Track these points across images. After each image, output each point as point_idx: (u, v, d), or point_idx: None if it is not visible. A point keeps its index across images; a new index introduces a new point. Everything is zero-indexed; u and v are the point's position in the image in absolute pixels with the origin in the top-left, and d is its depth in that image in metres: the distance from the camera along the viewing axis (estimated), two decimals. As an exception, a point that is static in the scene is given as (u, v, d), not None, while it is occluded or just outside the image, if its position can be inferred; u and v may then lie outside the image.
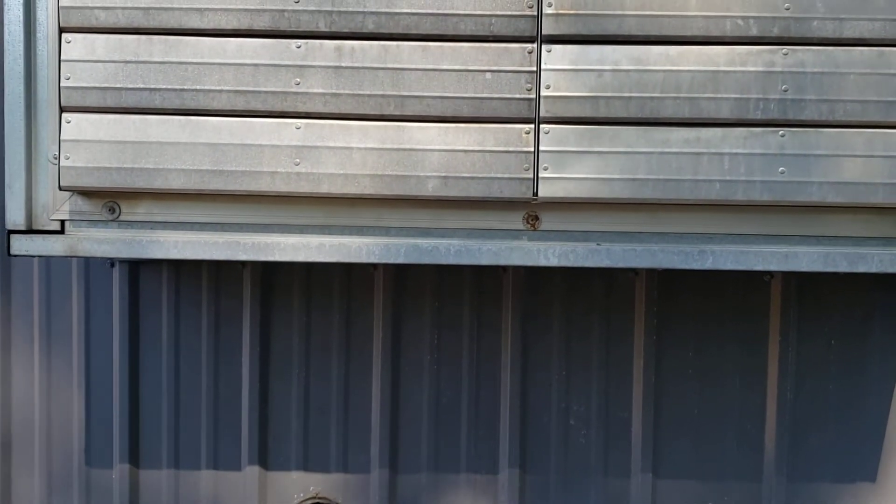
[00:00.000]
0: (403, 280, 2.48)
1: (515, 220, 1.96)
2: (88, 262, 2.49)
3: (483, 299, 2.47)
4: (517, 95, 1.87)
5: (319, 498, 2.52)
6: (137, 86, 1.86)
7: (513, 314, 2.46)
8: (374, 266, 2.45)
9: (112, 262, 2.48)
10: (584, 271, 2.38)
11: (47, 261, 2.49)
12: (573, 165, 1.87)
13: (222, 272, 2.49)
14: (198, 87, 1.86)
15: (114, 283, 2.49)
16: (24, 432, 2.55)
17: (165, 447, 2.52)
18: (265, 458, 2.52)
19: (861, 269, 1.91)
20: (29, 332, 2.53)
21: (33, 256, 2.15)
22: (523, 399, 2.48)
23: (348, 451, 2.51)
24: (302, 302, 2.49)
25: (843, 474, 2.47)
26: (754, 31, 1.85)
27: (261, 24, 1.85)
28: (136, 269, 2.49)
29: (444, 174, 1.88)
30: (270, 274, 2.48)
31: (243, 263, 2.46)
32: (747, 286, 2.44)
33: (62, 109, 1.87)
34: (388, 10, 1.85)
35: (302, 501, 2.52)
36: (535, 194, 1.88)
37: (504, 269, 2.45)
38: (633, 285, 2.45)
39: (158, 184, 1.88)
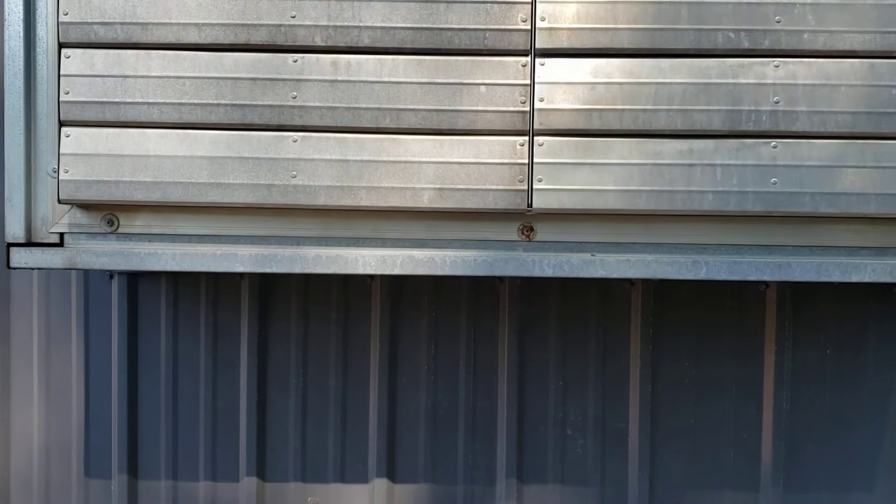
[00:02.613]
0: (400, 291, 2.49)
1: (510, 231, 1.97)
2: (87, 275, 2.50)
3: (479, 310, 2.48)
4: (511, 108, 1.89)
5: (317, 509, 2.52)
6: (136, 100, 1.88)
7: (509, 324, 2.47)
8: (371, 277, 2.47)
9: (111, 274, 2.50)
10: (580, 281, 2.39)
11: (47, 273, 2.50)
12: (567, 177, 1.89)
13: (220, 284, 2.50)
14: (195, 101, 1.88)
15: (113, 295, 2.50)
16: (23, 442, 2.56)
17: (164, 458, 2.53)
18: (263, 469, 2.52)
19: (854, 278, 1.93)
20: (28, 343, 2.54)
21: (33, 269, 2.17)
22: (520, 409, 2.49)
23: (346, 462, 2.52)
24: (299, 313, 2.50)
25: (839, 484, 2.48)
26: (746, 44, 1.87)
27: (258, 38, 1.87)
28: (135, 281, 2.50)
29: (439, 186, 1.89)
30: (268, 286, 2.49)
31: (241, 275, 2.47)
32: (743, 296, 2.45)
33: (61, 123, 1.89)
34: (383, 24, 1.87)
35: (300, 512, 2.53)
36: (530, 206, 1.90)
37: (500, 279, 2.46)
38: (629, 296, 2.46)
39: (157, 197, 1.90)
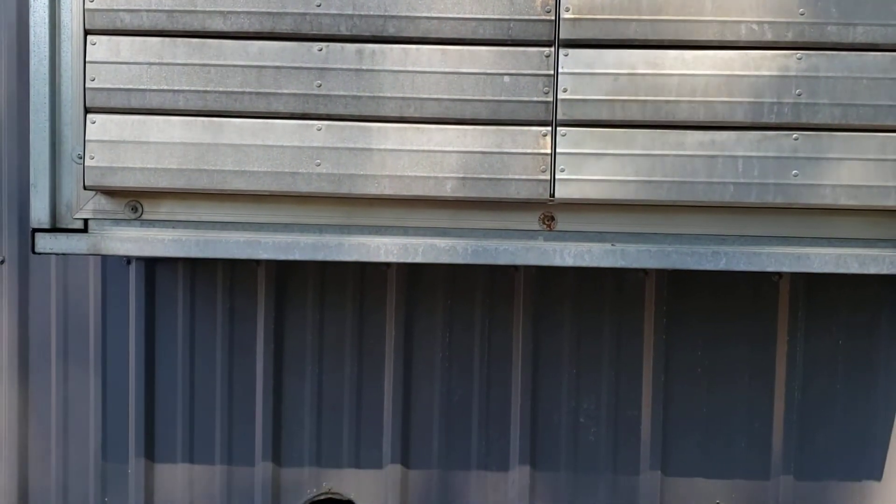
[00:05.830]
0: (416, 279, 2.50)
1: (532, 221, 1.98)
2: (105, 260, 2.51)
3: (494, 298, 2.50)
4: (535, 98, 1.89)
5: (332, 493, 2.54)
6: (161, 87, 1.88)
7: (524, 313, 2.48)
8: (388, 265, 2.48)
9: (128, 259, 2.50)
10: (594, 271, 2.41)
11: (65, 258, 2.51)
12: (589, 167, 1.90)
13: (237, 270, 2.51)
14: (220, 89, 1.88)
15: (130, 281, 2.51)
16: (40, 427, 2.58)
17: (180, 442, 2.55)
18: (278, 454, 2.54)
19: (872, 270, 1.94)
20: (46, 329, 2.55)
21: (57, 254, 2.17)
22: (534, 397, 2.51)
23: (361, 448, 2.54)
24: (315, 300, 2.51)
25: (850, 473, 2.50)
26: (769, 36, 1.87)
27: (283, 27, 1.88)
28: (153, 266, 2.51)
29: (462, 175, 1.90)
30: (284, 272, 2.50)
31: (258, 262, 2.48)
32: (756, 285, 2.46)
33: (87, 110, 1.90)
34: (408, 14, 1.87)
35: (314, 497, 2.54)
36: (552, 195, 1.91)
37: (516, 268, 2.47)
38: (643, 284, 2.47)
39: (181, 184, 1.90)
